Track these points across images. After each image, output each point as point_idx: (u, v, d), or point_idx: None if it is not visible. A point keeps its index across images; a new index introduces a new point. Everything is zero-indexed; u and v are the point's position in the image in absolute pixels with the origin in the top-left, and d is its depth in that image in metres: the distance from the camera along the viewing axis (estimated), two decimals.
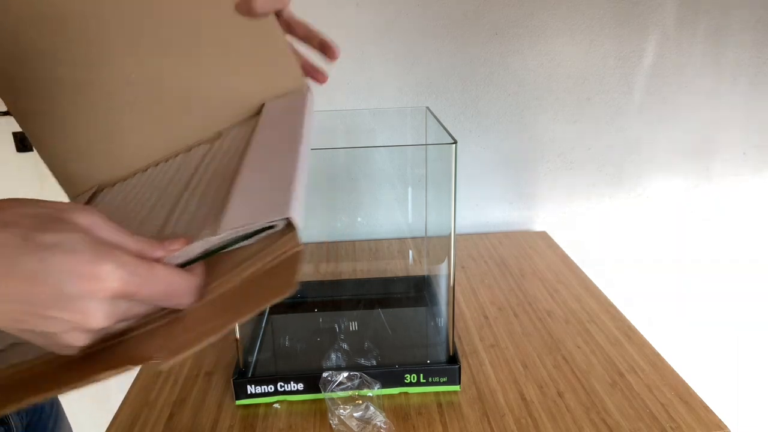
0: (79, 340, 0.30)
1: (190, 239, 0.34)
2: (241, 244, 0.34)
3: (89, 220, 0.30)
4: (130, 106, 0.47)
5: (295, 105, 0.48)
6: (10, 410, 0.31)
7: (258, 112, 0.49)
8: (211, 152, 0.47)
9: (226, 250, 0.35)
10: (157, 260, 0.32)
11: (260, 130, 0.46)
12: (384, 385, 0.69)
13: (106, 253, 0.29)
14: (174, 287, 0.32)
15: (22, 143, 1.10)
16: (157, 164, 0.49)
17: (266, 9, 0.45)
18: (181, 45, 0.46)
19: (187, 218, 0.39)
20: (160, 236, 0.37)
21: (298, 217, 0.33)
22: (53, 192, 0.48)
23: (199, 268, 0.34)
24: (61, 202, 0.31)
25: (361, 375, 0.68)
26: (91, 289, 0.28)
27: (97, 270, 0.28)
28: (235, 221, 0.34)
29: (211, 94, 0.49)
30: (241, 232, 0.34)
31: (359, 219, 1.20)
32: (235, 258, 0.34)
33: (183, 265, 0.34)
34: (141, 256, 0.31)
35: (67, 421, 0.66)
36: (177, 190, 0.44)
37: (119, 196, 0.48)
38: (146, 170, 0.49)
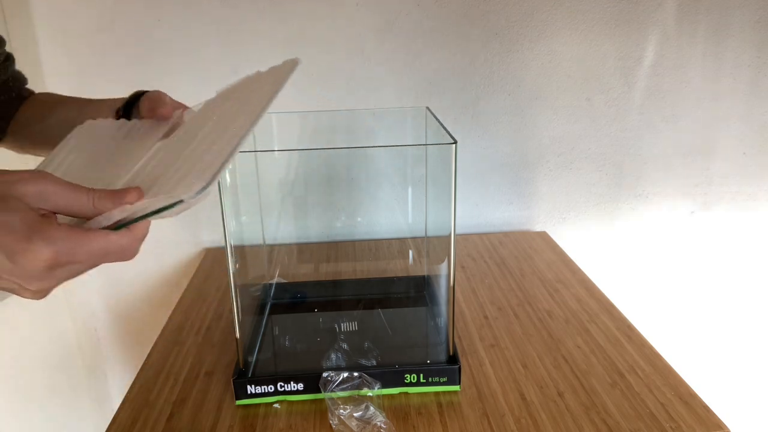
0: (30, 297, 0.35)
1: (140, 191, 0.37)
2: (163, 213, 0.36)
3: (36, 188, 0.34)
4: None
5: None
6: None
7: None
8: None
9: (151, 217, 0.37)
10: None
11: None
12: (384, 385, 0.69)
13: (38, 231, 0.33)
14: (111, 249, 0.36)
15: None
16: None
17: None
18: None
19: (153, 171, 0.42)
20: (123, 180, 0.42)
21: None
22: None
23: (142, 224, 0.37)
24: (14, 173, 0.35)
25: (361, 375, 0.68)
26: (26, 261, 0.33)
27: (29, 246, 0.33)
28: (155, 193, 0.37)
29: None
30: (158, 204, 0.36)
31: (359, 219, 1.20)
32: None
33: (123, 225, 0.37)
34: (94, 210, 0.36)
35: None
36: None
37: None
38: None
